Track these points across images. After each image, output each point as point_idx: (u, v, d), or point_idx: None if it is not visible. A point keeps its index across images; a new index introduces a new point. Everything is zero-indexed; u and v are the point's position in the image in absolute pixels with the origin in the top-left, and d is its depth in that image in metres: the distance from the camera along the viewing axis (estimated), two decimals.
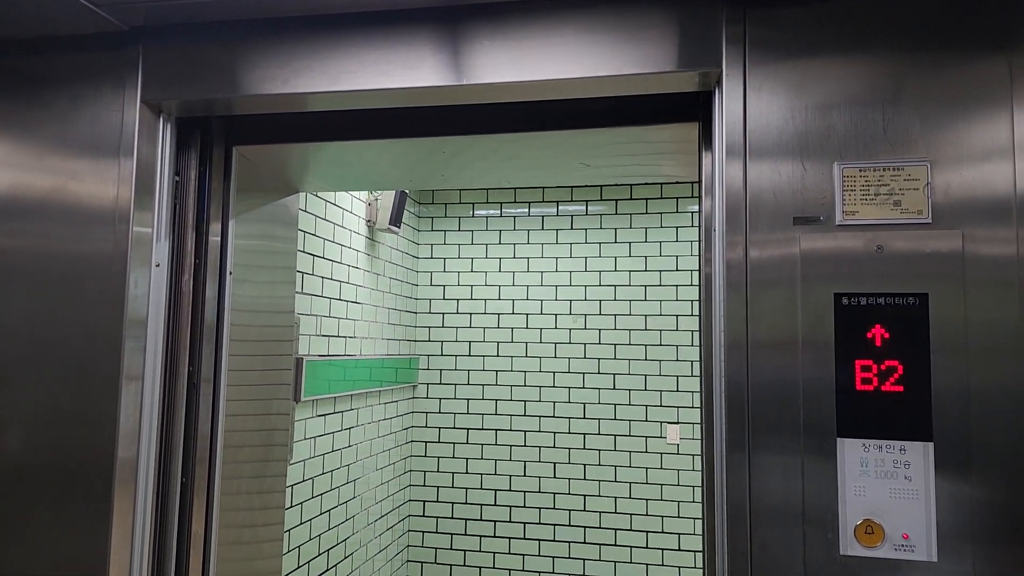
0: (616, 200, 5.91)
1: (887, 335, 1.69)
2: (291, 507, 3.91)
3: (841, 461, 1.69)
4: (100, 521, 2.03)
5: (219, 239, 2.42)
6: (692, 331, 5.71)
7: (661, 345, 5.74)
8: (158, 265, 2.19)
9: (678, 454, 5.65)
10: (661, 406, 5.71)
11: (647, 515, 5.66)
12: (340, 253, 4.53)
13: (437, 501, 6.01)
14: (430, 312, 6.15)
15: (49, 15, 2.05)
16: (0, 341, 2.13)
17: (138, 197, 2.11)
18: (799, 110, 1.78)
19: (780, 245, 1.76)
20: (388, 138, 2.36)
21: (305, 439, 4.07)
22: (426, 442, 6.05)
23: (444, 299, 6.15)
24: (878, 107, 1.75)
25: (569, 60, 1.92)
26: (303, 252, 4.00)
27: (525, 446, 5.89)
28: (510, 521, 5.88)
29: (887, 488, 1.67)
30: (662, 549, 5.62)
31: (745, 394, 1.75)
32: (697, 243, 2.02)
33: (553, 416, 5.87)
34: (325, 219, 4.30)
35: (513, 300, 6.02)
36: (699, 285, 1.99)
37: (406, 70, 2.00)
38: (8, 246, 2.14)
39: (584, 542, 5.75)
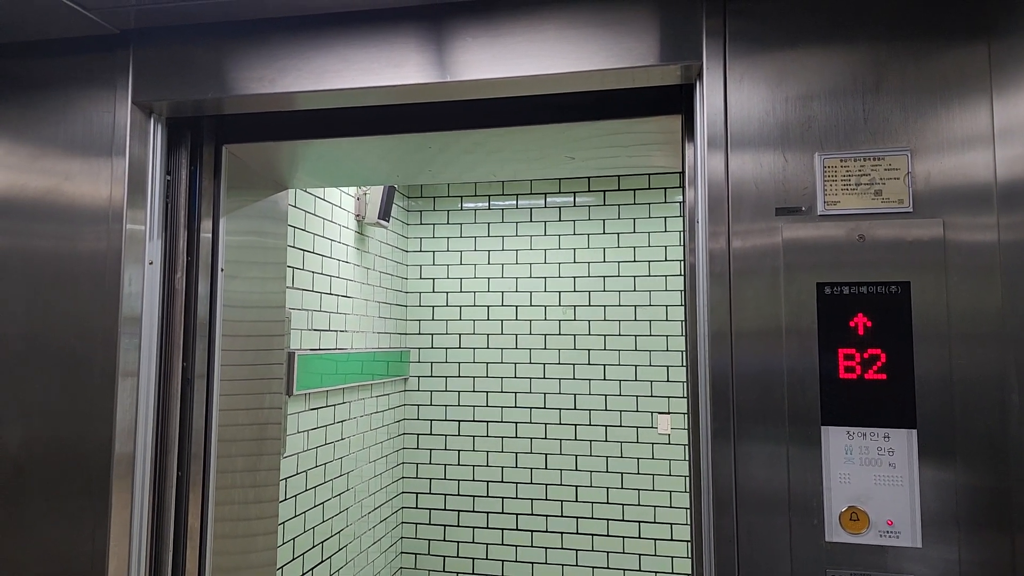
0: (604, 191, 5.91)
1: (870, 324, 1.71)
2: (285, 500, 3.93)
3: (826, 449, 1.71)
4: (99, 515, 2.06)
5: (210, 236, 2.44)
6: (681, 321, 5.70)
7: (651, 335, 5.74)
8: (151, 263, 2.21)
9: (669, 444, 5.67)
10: (652, 396, 5.72)
11: (639, 505, 5.67)
12: (330, 248, 4.54)
13: (430, 493, 6.02)
14: (420, 305, 6.16)
15: (40, 19, 2.07)
16: None
17: (131, 196, 2.14)
18: (780, 101, 1.80)
19: (763, 235, 1.78)
20: (375, 135, 2.38)
21: (298, 433, 4.09)
22: (418, 434, 6.07)
23: (434, 292, 6.15)
24: (858, 97, 1.77)
25: (552, 56, 1.94)
26: (293, 247, 4.01)
27: (516, 438, 5.91)
28: (503, 512, 5.90)
29: (872, 475, 1.69)
30: (654, 539, 5.64)
31: (730, 383, 1.77)
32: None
33: (544, 408, 5.89)
34: (314, 214, 4.31)
35: (502, 292, 6.03)
36: (684, 275, 2.01)
37: (391, 68, 2.02)
38: (4, 246, 2.17)
39: (577, 532, 5.76)
